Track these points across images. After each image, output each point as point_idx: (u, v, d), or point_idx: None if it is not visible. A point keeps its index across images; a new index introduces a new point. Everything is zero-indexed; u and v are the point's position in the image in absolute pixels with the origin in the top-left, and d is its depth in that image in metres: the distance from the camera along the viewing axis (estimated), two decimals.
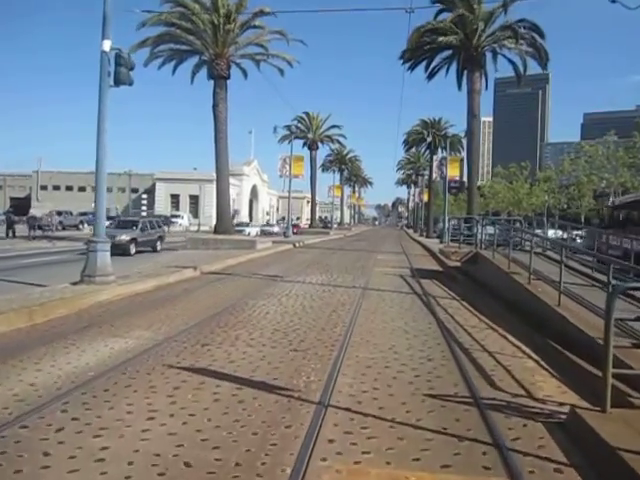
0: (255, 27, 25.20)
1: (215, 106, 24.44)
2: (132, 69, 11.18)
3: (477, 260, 14.42)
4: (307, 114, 50.49)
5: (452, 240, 21.41)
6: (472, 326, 8.21)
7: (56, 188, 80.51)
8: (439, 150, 45.72)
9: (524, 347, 6.95)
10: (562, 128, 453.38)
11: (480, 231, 14.33)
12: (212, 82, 24.90)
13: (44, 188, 79.46)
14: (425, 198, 55.07)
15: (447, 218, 36.25)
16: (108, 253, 11.08)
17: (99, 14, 10.78)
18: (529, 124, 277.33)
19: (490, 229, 14.61)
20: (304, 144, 51.18)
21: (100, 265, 10.77)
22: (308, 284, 12.67)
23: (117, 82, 10.89)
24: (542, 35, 23.56)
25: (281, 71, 26.43)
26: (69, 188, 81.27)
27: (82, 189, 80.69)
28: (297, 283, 12.78)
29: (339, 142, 56.70)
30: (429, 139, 41.73)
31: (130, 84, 11.12)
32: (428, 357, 6.21)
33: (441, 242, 32.96)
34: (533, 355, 6.55)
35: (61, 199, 75.40)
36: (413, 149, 56.36)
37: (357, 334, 7.37)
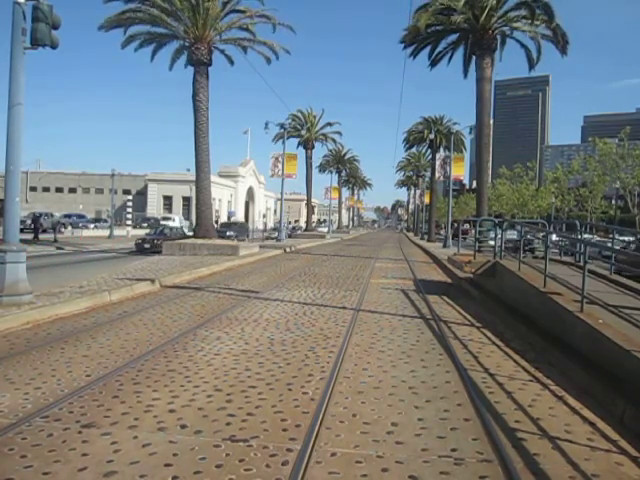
0: (239, 11, 22.71)
1: (195, 95, 21.87)
2: (57, 27, 8.67)
3: (496, 272, 11.85)
4: (301, 112, 47.81)
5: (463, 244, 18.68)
6: (509, 377, 5.65)
7: (46, 189, 78.17)
8: (441, 149, 43.12)
9: (600, 422, 4.42)
10: (562, 131, 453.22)
11: (500, 236, 11.73)
12: (193, 71, 22.39)
13: (33, 189, 76.80)
14: (426, 200, 52.48)
15: (450, 221, 33.95)
16: (23, 265, 8.54)
17: None
18: (529, 127, 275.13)
19: (510, 234, 12.06)
20: (299, 143, 48.55)
21: (10, 281, 8.24)
22: (287, 303, 10.09)
23: (35, 42, 8.41)
24: (553, 17, 20.95)
25: (268, 59, 23.84)
26: (59, 189, 79.03)
27: (72, 190, 78.56)
28: (274, 302, 10.21)
29: (335, 141, 54.00)
30: (431, 136, 39.08)
31: (53, 46, 8.62)
32: (456, 459, 3.65)
33: (444, 246, 30.52)
34: (622, 443, 4.01)
35: (51, 200, 73.13)
36: (414, 149, 53.69)
37: (339, 397, 4.82)
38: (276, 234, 40.20)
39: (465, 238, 35.07)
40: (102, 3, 20.66)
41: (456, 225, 33.69)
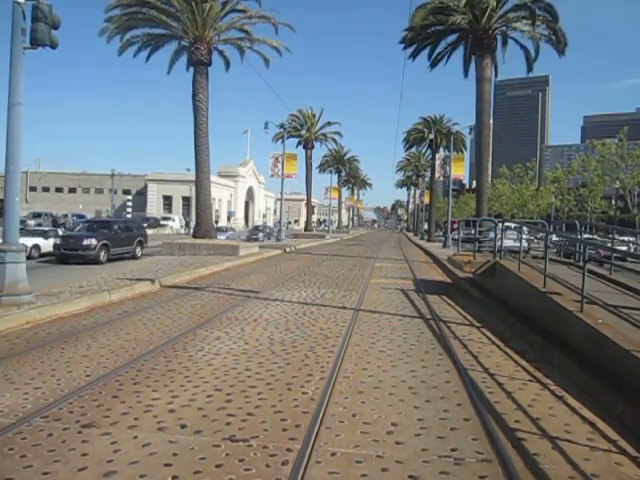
0: (239, 11, 22.71)
1: (195, 95, 21.88)
2: (56, 27, 8.66)
3: (495, 272, 11.85)
4: (301, 111, 47.80)
5: (461, 242, 18.67)
6: (508, 376, 5.65)
7: (46, 189, 78.08)
8: (441, 149, 43.13)
9: (599, 422, 4.42)
10: (562, 131, 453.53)
11: (500, 236, 11.74)
12: (192, 71, 22.38)
13: (33, 189, 76.74)
14: (426, 200, 52.49)
15: (450, 220, 33.96)
16: (23, 265, 8.54)
17: None
18: (529, 127, 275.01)
19: (510, 234, 12.06)
20: (299, 143, 48.56)
21: (10, 281, 8.24)
22: (287, 303, 10.10)
23: (35, 42, 8.40)
24: (557, 18, 21.04)
25: (266, 60, 23.84)
26: (59, 189, 78.91)
27: (72, 190, 78.45)
28: (273, 302, 10.22)
29: (335, 140, 54.01)
30: (431, 136, 39.12)
31: (53, 46, 8.62)
32: (456, 459, 3.65)
33: (444, 246, 30.52)
34: (622, 443, 4.02)
35: (51, 200, 73.08)
36: (414, 149, 53.72)
37: (339, 397, 4.82)
38: (223, 236, 34.08)
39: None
40: (102, 2, 20.68)
41: (448, 225, 33.82)
